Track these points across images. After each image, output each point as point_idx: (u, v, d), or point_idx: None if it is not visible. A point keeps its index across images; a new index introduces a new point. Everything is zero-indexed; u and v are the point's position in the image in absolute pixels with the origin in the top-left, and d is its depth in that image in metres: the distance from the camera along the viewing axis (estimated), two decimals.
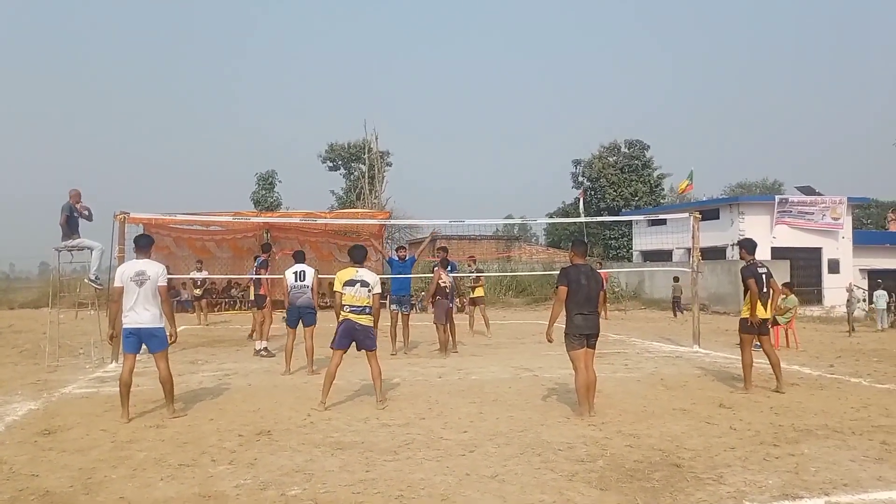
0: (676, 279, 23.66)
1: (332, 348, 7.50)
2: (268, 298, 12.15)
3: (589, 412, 6.90)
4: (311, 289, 10.08)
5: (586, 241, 7.81)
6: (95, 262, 11.18)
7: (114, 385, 8.87)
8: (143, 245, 7.10)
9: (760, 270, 8.56)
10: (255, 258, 13.54)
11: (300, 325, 10.04)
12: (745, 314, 8.60)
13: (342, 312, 7.39)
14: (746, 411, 7.23)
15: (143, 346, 6.93)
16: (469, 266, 16.85)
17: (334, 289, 7.61)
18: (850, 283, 21.52)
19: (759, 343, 8.73)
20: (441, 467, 5.16)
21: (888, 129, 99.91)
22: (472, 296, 15.96)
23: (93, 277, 11.15)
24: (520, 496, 4.51)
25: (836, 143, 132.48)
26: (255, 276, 12.58)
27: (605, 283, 22.95)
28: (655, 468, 5.17)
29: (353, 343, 7.41)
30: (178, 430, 6.33)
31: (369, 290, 7.40)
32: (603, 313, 22.03)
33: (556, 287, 7.15)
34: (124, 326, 6.79)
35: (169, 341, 6.93)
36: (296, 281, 10.05)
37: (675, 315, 23.01)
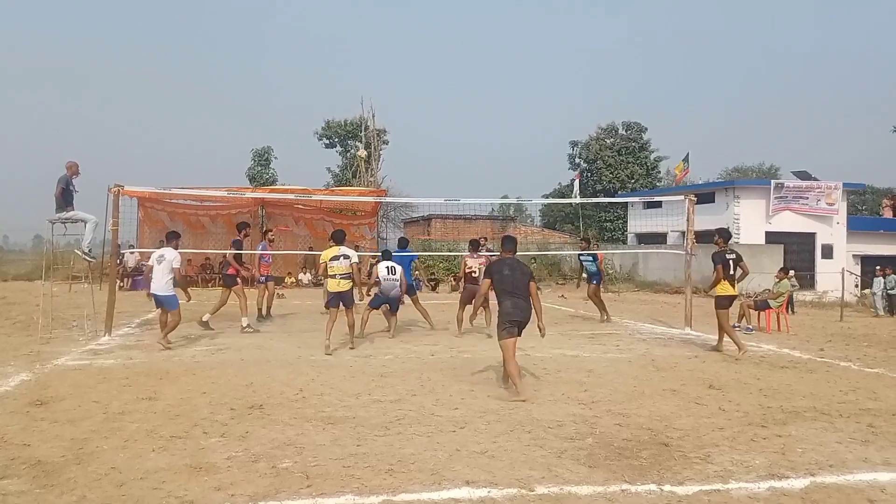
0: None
1: (326, 307, 10.26)
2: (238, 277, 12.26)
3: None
4: (400, 283, 11.36)
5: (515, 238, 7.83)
6: (89, 235, 11.09)
7: (107, 357, 8.94)
8: None
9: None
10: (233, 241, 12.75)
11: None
12: None
13: (330, 279, 9.92)
14: (736, 392, 7.28)
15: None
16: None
17: (321, 260, 10.03)
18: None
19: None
20: (431, 443, 5.20)
21: (885, 115, 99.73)
22: None
23: (86, 250, 11.08)
24: (508, 471, 4.55)
25: (832, 129, 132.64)
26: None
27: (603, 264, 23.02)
28: (644, 447, 5.21)
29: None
30: (171, 403, 6.35)
31: (349, 261, 9.83)
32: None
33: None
34: None
35: None
36: (388, 274, 11.28)
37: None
